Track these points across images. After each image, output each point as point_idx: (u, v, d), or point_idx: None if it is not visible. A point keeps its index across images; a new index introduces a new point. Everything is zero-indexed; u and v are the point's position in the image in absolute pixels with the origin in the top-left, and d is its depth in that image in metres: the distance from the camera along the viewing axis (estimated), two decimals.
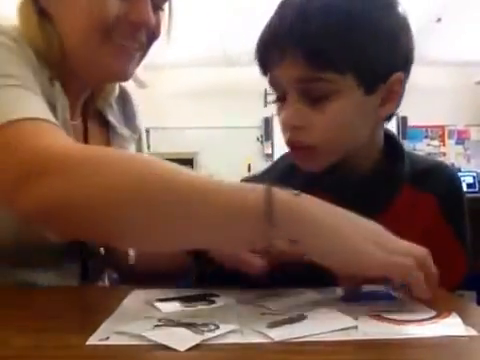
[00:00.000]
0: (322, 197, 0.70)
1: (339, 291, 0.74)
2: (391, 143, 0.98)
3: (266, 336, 0.53)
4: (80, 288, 0.96)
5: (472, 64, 6.50)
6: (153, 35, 0.95)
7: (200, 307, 0.67)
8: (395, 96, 0.90)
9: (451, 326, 0.56)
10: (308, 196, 0.66)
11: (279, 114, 0.91)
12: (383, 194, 0.95)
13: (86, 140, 1.01)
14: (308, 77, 0.84)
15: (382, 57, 0.86)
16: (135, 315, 0.62)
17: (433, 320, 0.58)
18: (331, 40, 0.83)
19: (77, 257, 0.96)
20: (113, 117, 1.06)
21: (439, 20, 5.31)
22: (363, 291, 0.73)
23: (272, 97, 0.94)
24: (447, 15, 5.16)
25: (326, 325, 0.55)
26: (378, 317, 0.59)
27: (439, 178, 0.99)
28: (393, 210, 0.94)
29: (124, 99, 1.10)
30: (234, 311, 0.65)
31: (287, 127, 0.89)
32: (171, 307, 0.67)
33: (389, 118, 0.95)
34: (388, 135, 0.98)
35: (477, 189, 5.96)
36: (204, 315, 0.62)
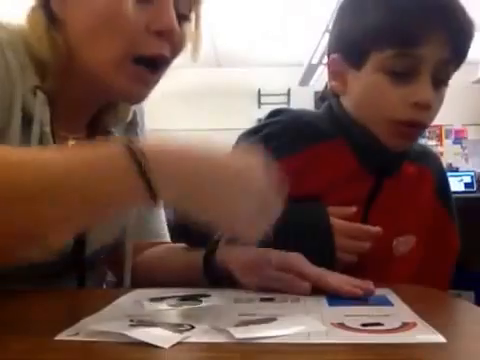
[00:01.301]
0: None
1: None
2: None
3: (230, 336, 0.53)
4: (79, 291, 0.95)
5: (469, 63, 6.50)
6: (177, 49, 0.87)
7: (185, 307, 0.68)
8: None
9: (420, 334, 0.54)
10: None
11: (386, 89, 0.93)
12: (393, 163, 1.02)
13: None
14: (449, 60, 0.92)
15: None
16: (115, 314, 0.64)
17: (402, 329, 0.57)
18: (470, 30, 0.92)
19: (73, 271, 0.94)
20: (116, 128, 1.01)
21: None
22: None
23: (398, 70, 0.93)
24: None
25: (290, 329, 0.55)
26: (343, 326, 0.57)
27: (432, 159, 1.10)
28: (398, 180, 1.02)
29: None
30: (215, 311, 0.66)
31: (425, 107, 0.92)
32: (156, 307, 0.68)
33: None
34: None
35: (475, 188, 5.98)
36: (184, 315, 0.63)
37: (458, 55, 0.93)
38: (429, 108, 0.92)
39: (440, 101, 0.95)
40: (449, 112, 6.95)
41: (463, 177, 6.03)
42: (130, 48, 0.81)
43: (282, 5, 4.51)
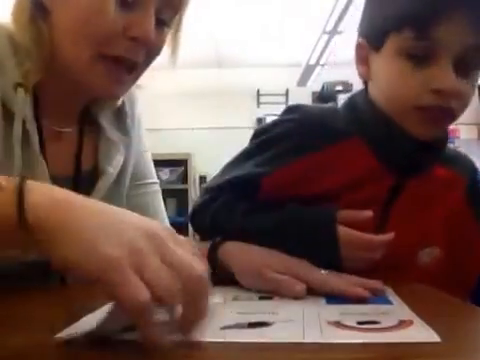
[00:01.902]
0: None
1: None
2: None
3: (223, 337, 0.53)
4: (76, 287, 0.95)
5: None
6: (152, 54, 0.88)
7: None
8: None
9: (416, 333, 0.55)
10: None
11: (407, 73, 0.89)
12: (422, 162, 0.97)
13: (80, 148, 0.98)
14: (476, 46, 0.85)
15: None
16: (114, 313, 0.61)
17: (397, 328, 0.57)
18: None
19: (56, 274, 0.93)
20: (105, 118, 1.02)
21: None
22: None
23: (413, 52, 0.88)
24: None
25: (283, 336, 0.54)
26: (339, 325, 0.58)
27: (467, 165, 1.06)
28: (426, 179, 0.97)
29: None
30: (214, 309, 0.65)
31: (444, 92, 0.86)
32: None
33: None
34: None
35: None
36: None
37: None
38: (454, 95, 0.87)
39: (472, 89, 0.90)
40: None
41: None
42: (104, 48, 0.81)
43: (280, 7, 4.51)
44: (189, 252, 0.52)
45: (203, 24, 5.07)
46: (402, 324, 0.58)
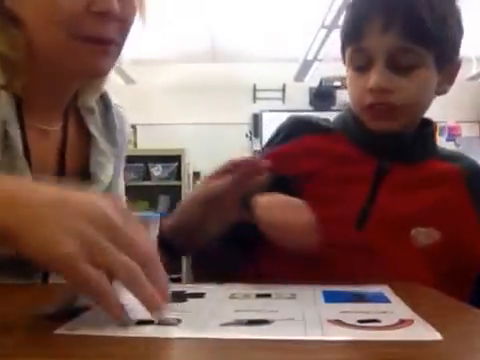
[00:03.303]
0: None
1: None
2: (426, 123, 1.12)
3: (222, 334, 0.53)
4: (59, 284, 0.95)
5: (463, 60, 6.51)
6: (125, 24, 0.88)
7: (183, 303, 0.69)
8: (453, 78, 1.08)
9: (417, 332, 0.55)
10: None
11: (355, 81, 1.05)
12: (413, 153, 1.08)
13: (64, 147, 0.97)
14: (401, 48, 0.98)
15: (455, 39, 1.03)
16: None
17: (398, 326, 0.57)
18: (427, 17, 0.96)
19: (38, 272, 0.93)
20: (95, 128, 1.02)
21: None
22: (349, 291, 0.75)
23: (355, 64, 1.04)
24: None
25: (284, 333, 0.54)
26: (339, 323, 0.58)
27: (466, 161, 1.12)
28: (420, 168, 1.05)
29: (106, 107, 1.06)
30: (211, 307, 0.66)
31: (376, 89, 0.99)
32: None
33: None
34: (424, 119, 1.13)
35: None
36: (181, 311, 0.63)
37: (416, 39, 0.98)
38: (382, 91, 1.00)
39: (413, 84, 1.00)
40: (443, 109, 6.94)
41: None
42: (72, 29, 0.82)
43: (278, 1, 4.50)
44: (135, 226, 0.59)
45: (199, 18, 5.07)
46: (403, 323, 0.58)
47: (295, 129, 1.14)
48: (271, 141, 1.17)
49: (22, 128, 0.89)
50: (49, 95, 0.93)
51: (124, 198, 1.16)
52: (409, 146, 1.07)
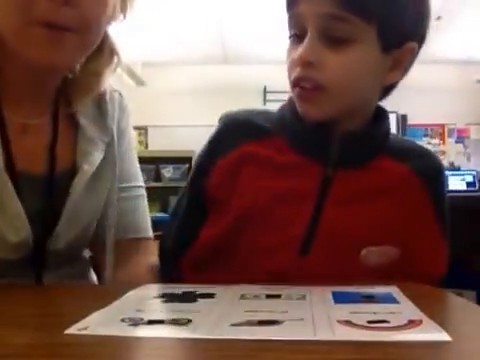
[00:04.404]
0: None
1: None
2: (380, 118, 0.96)
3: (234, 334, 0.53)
4: (79, 285, 0.96)
5: (472, 62, 6.49)
6: (84, 13, 0.84)
7: (193, 303, 0.68)
8: (402, 65, 0.91)
9: (426, 332, 0.55)
10: None
11: (290, 53, 0.91)
12: (360, 154, 0.93)
13: (55, 139, 0.97)
14: (334, 15, 0.84)
15: (407, 19, 0.88)
16: (123, 309, 0.64)
17: (407, 327, 0.57)
18: None
19: (30, 271, 0.94)
20: (85, 117, 1.01)
21: (439, 18, 5.30)
22: (358, 292, 0.74)
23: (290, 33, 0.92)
24: (447, 13, 5.14)
25: (294, 334, 0.54)
26: (349, 324, 0.58)
27: (423, 159, 0.97)
28: (369, 168, 0.92)
29: (101, 96, 1.04)
30: (222, 307, 0.66)
31: (300, 62, 0.87)
32: (163, 303, 0.69)
33: (389, 90, 0.96)
34: (380, 111, 0.97)
35: (477, 188, 5.96)
36: (191, 312, 0.62)
37: (351, 7, 0.83)
38: (309, 64, 0.86)
39: (344, 60, 0.86)
40: (452, 111, 6.94)
41: (465, 176, 6.02)
42: (28, 14, 0.81)
43: None
44: None
45: (210, 20, 5.07)
46: (412, 323, 0.58)
47: (230, 137, 0.97)
48: (205, 155, 1.00)
49: (1, 121, 0.88)
50: (26, 87, 0.92)
51: (138, 182, 1.14)
52: (355, 147, 0.93)
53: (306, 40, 0.86)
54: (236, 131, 0.98)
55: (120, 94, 1.10)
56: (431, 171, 0.96)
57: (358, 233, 0.89)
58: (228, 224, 0.91)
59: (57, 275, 0.97)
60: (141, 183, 1.14)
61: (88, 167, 0.97)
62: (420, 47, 0.93)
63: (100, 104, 1.04)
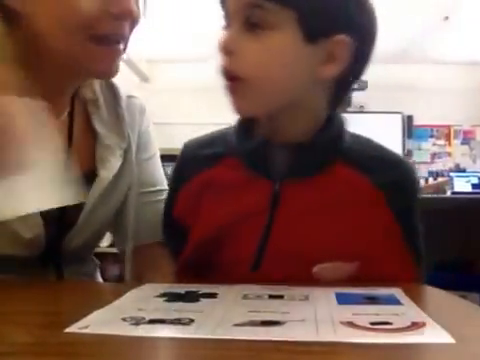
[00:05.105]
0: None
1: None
2: (327, 124, 0.91)
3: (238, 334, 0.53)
4: (82, 283, 0.96)
5: (478, 64, 6.48)
6: (134, 22, 0.89)
7: (195, 303, 0.68)
8: (337, 59, 0.85)
9: (429, 335, 0.55)
10: None
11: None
12: (307, 165, 0.90)
13: (70, 139, 0.98)
14: (252, 2, 0.81)
15: (330, 5, 0.83)
16: (125, 308, 0.64)
17: (410, 329, 0.57)
18: None
19: (50, 264, 0.95)
20: (100, 123, 1.02)
21: (446, 19, 5.29)
22: (361, 293, 0.74)
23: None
24: (455, 14, 5.13)
25: (297, 335, 0.54)
26: (352, 325, 0.58)
27: (388, 171, 0.91)
28: (321, 179, 0.88)
29: (115, 98, 1.06)
30: (225, 307, 0.66)
31: (221, 51, 0.85)
32: (165, 302, 0.68)
33: (341, 95, 0.92)
34: (336, 119, 0.92)
35: None
36: (193, 311, 0.62)
37: None
38: (227, 52, 0.84)
39: (259, 47, 0.83)
40: (459, 112, 6.93)
41: (470, 178, 6.01)
42: (89, 31, 0.83)
43: None
44: None
45: (215, 18, 5.07)
46: (415, 325, 0.57)
47: (189, 167, 0.99)
48: (171, 184, 1.05)
49: None
50: (53, 88, 0.93)
51: (163, 186, 1.15)
52: (301, 158, 0.90)
53: (229, 29, 0.85)
54: (193, 161, 0.98)
55: (137, 98, 1.12)
56: (394, 184, 0.90)
57: (309, 247, 0.87)
58: (191, 250, 0.94)
59: (68, 274, 0.98)
60: (163, 186, 1.15)
61: (107, 174, 0.99)
62: (365, 42, 0.88)
63: (116, 111, 1.05)
